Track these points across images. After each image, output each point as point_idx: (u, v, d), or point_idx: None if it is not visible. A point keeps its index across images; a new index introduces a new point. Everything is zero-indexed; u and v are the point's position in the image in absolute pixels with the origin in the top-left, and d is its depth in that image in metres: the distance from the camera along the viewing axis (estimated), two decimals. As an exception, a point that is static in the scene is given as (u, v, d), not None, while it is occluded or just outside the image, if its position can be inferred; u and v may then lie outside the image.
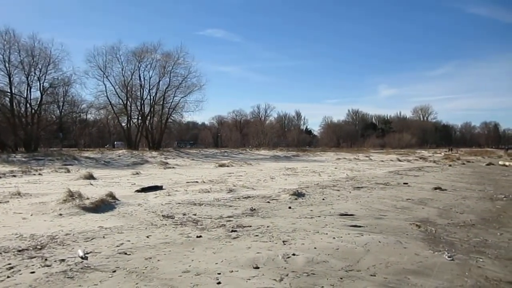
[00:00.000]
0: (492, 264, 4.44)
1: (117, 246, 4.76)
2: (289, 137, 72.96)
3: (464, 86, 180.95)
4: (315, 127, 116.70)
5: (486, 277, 3.98)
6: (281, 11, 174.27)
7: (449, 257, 4.60)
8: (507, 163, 28.56)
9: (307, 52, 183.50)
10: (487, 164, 27.75)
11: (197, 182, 12.32)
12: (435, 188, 11.42)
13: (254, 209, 7.40)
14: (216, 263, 4.10)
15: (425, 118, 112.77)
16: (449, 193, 10.85)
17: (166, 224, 6.06)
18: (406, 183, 12.76)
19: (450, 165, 25.85)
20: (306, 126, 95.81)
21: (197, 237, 5.26)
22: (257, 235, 5.36)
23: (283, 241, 5.01)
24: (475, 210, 8.23)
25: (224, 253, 4.48)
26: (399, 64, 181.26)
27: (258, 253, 4.48)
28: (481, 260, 4.58)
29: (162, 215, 6.78)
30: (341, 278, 3.75)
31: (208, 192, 9.84)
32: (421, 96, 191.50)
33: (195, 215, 6.88)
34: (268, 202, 8.37)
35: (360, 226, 6.06)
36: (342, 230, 5.76)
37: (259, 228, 5.81)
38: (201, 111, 76.18)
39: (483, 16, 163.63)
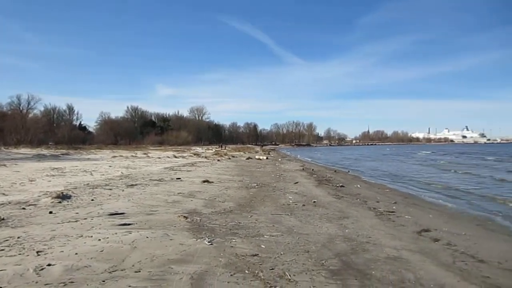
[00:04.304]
0: (241, 243, 5.22)
1: None
2: (59, 134, 64.43)
3: (232, 91, 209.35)
4: (91, 123, 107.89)
5: (236, 254, 4.65)
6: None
7: (208, 242, 5.12)
8: (261, 157, 34.51)
9: (82, 40, 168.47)
10: (247, 159, 32.57)
11: None
12: (204, 181, 12.52)
13: (3, 219, 6.17)
14: None
15: (200, 117, 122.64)
16: (215, 185, 12.12)
17: None
18: (179, 178, 13.43)
19: (218, 160, 28.83)
20: (80, 122, 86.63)
21: None
22: (2, 250, 4.48)
23: (37, 252, 4.37)
24: (234, 198, 9.49)
25: (-51, 280, 3.53)
26: (176, 65, 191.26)
27: (1, 270, 3.75)
28: (234, 240, 5.32)
29: None
30: (104, 281, 3.59)
31: None
32: (197, 98, 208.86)
33: None
34: (24, 208, 7.14)
35: (129, 224, 5.97)
36: (110, 230, 5.53)
37: (7, 240, 4.88)
38: None
39: (246, 32, 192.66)
